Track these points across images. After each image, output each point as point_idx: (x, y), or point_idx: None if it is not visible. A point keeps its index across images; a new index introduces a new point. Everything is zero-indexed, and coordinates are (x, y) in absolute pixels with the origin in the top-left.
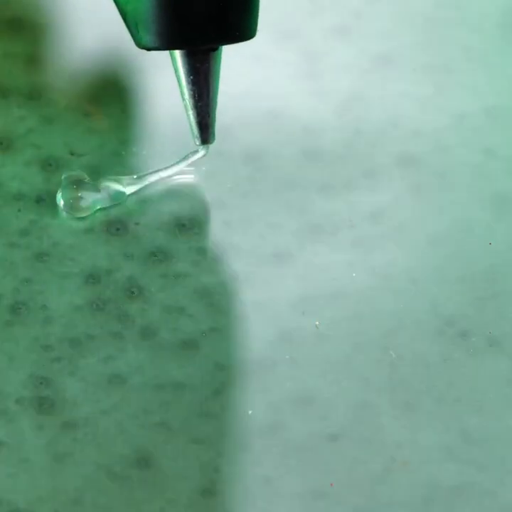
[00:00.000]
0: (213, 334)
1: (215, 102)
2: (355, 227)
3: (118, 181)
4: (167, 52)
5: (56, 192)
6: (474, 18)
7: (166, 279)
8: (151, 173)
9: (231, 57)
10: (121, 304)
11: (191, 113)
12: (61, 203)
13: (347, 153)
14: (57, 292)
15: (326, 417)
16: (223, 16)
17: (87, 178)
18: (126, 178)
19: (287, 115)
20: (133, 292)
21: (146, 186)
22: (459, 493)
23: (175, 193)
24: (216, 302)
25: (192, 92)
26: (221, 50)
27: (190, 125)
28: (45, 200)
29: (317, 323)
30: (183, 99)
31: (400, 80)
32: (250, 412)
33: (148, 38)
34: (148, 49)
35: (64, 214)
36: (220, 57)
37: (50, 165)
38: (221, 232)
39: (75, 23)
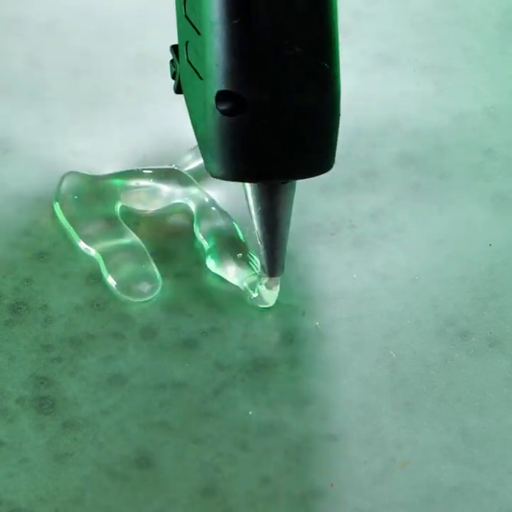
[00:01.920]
0: (214, 334)
1: (286, 235)
2: (355, 227)
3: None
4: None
5: (57, 192)
6: (474, 18)
7: (166, 279)
8: None
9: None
10: (121, 304)
11: (260, 244)
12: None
13: (347, 153)
14: (58, 292)
15: (326, 417)
16: (290, 152)
17: None
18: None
19: None
20: None
21: None
22: (459, 493)
23: None
24: (216, 302)
25: (260, 224)
26: (294, 183)
27: (259, 256)
28: (45, 200)
29: (317, 323)
30: (253, 229)
31: (400, 80)
32: (250, 412)
33: (214, 167)
34: (215, 177)
35: None
36: (292, 190)
37: (50, 164)
38: None
39: (75, 22)
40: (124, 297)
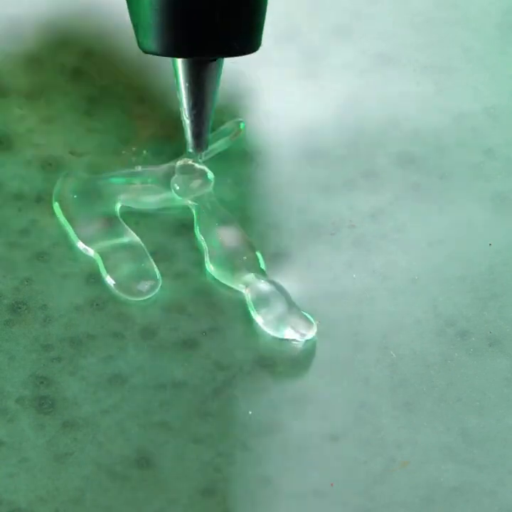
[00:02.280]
0: (213, 334)
1: (211, 112)
2: (355, 227)
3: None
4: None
5: (56, 192)
6: (474, 18)
7: (166, 279)
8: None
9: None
10: (121, 304)
11: (186, 120)
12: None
13: (347, 153)
14: (58, 292)
15: (326, 417)
16: (223, 28)
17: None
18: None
19: (287, 115)
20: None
21: None
22: (459, 494)
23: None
24: (216, 302)
25: (187, 100)
26: (221, 61)
27: (185, 131)
28: (45, 200)
29: (317, 322)
30: (180, 105)
31: (400, 80)
32: (250, 412)
33: (146, 42)
34: (146, 52)
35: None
36: (220, 68)
37: (50, 164)
38: None
39: (75, 22)
40: (124, 296)
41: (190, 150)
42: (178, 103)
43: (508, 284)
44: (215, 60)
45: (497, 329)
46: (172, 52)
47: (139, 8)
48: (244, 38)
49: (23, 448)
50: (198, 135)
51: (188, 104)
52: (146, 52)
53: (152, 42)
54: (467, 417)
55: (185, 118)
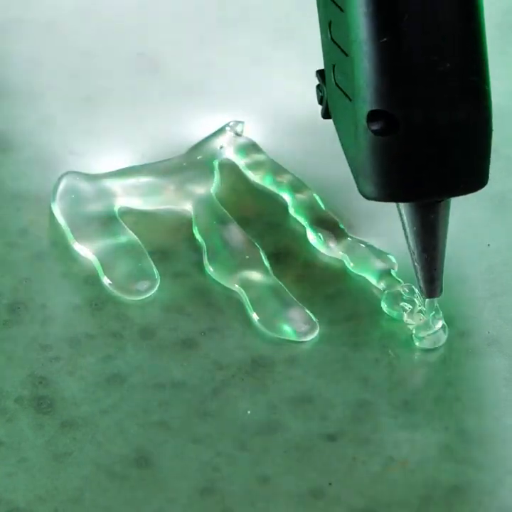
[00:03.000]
0: (213, 334)
1: (443, 255)
2: (354, 227)
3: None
4: None
5: (55, 191)
6: None
7: (164, 279)
8: None
9: (231, 57)
10: (120, 304)
11: (416, 264)
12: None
13: None
14: (56, 292)
15: (325, 416)
16: (448, 169)
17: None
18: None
19: (287, 115)
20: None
21: None
22: (458, 493)
23: None
24: (215, 302)
25: (416, 244)
26: (449, 200)
27: (416, 276)
28: (44, 200)
29: (316, 321)
30: (409, 249)
31: None
32: (249, 412)
33: (368, 189)
34: (368, 198)
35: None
36: (448, 208)
37: (49, 164)
38: None
39: (75, 22)
40: (122, 296)
41: (423, 297)
42: (407, 246)
43: (507, 284)
44: (443, 200)
45: (496, 329)
46: (396, 197)
47: (358, 155)
48: (471, 176)
49: (22, 448)
50: (430, 281)
51: (417, 248)
52: (367, 198)
53: (374, 188)
54: (466, 417)
55: (415, 263)
